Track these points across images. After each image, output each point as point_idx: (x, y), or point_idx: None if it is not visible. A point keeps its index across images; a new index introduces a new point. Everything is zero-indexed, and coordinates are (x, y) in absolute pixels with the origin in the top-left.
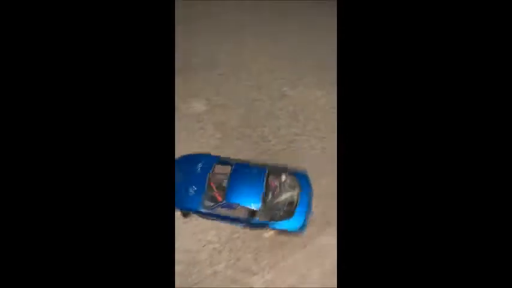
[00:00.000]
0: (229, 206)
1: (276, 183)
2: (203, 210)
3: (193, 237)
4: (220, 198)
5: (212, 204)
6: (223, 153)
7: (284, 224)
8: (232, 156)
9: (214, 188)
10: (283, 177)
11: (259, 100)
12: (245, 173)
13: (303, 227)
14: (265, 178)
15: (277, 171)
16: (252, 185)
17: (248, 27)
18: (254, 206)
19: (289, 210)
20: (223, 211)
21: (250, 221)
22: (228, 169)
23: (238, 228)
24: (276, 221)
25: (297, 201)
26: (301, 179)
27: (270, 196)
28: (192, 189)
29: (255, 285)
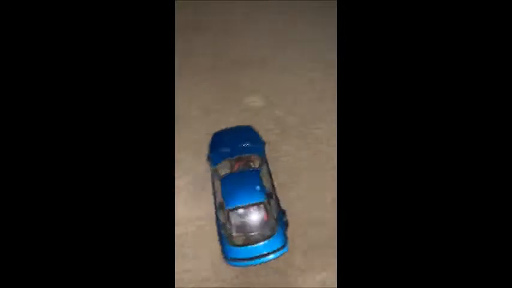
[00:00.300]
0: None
1: (265, 217)
2: (212, 168)
3: None
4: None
5: (221, 172)
6: (280, 150)
7: (226, 248)
8: (290, 153)
9: (236, 167)
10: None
11: (316, 100)
12: (251, 181)
13: (232, 264)
14: (258, 201)
15: (272, 210)
16: (243, 192)
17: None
18: (226, 204)
19: (244, 243)
20: (216, 186)
21: (216, 213)
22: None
23: (293, 223)
24: (228, 240)
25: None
26: (278, 235)
27: (252, 219)
28: (225, 149)
29: (305, 285)
